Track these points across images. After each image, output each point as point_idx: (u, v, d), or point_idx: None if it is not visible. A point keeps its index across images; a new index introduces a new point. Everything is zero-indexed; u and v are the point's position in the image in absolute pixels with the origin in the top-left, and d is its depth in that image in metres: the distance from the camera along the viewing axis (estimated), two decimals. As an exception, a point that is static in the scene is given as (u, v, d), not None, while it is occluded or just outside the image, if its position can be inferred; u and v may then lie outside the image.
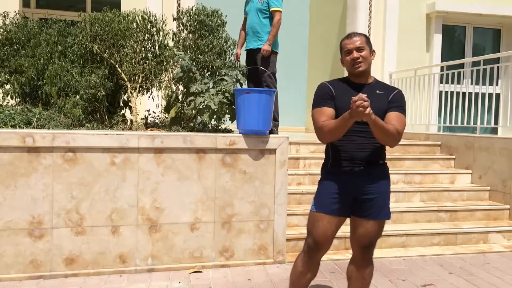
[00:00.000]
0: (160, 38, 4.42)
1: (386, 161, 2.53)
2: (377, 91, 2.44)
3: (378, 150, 2.44)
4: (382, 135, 2.29)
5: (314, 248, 2.45)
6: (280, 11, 4.92)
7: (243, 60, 5.28)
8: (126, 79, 4.20)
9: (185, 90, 4.20)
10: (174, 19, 4.65)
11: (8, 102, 4.36)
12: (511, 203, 4.97)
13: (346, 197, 2.42)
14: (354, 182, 2.41)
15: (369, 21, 8.01)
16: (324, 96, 2.44)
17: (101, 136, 3.46)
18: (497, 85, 7.53)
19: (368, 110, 2.13)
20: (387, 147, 2.50)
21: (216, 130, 4.12)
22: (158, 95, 4.80)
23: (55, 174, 3.41)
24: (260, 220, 3.82)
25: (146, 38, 4.32)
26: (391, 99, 2.43)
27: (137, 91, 4.31)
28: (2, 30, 4.46)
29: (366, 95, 2.15)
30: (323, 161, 2.59)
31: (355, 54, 2.40)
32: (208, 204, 3.71)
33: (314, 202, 2.51)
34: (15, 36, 4.41)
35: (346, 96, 2.37)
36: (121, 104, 4.52)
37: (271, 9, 4.93)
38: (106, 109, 4.26)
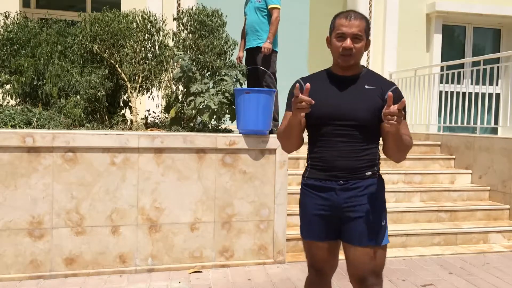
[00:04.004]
0: (160, 38, 4.42)
1: (379, 172, 2.06)
2: (366, 86, 1.98)
3: (364, 158, 1.97)
4: (399, 149, 1.91)
5: (320, 276, 2.13)
6: (278, 8, 4.90)
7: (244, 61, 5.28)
8: (126, 79, 4.20)
9: (185, 90, 4.20)
10: (174, 19, 4.65)
11: (8, 102, 4.37)
12: (511, 203, 4.97)
13: (331, 217, 2.01)
14: (334, 200, 1.97)
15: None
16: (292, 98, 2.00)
17: (101, 136, 3.46)
18: (497, 85, 7.53)
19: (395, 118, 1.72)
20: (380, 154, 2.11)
21: (216, 130, 4.12)
22: (158, 95, 4.80)
23: (55, 174, 3.41)
24: (260, 220, 3.82)
25: (146, 38, 4.32)
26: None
27: (137, 91, 4.31)
28: (3, 30, 4.46)
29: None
30: None
31: (349, 42, 1.91)
32: (208, 204, 3.71)
33: (301, 226, 2.13)
34: (16, 36, 4.42)
35: (321, 94, 1.97)
36: (121, 104, 4.52)
37: (269, 7, 4.91)
38: (106, 109, 4.26)
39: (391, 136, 1.87)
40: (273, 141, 3.81)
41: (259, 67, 4.90)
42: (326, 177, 1.98)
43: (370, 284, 1.99)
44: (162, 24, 4.42)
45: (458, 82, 6.97)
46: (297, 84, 1.82)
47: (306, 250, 2.15)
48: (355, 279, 2.03)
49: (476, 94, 6.22)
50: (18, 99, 4.37)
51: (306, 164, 2.12)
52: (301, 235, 2.14)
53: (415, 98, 7.23)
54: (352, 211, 1.97)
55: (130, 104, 4.39)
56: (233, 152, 3.74)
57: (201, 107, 3.91)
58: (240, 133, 3.79)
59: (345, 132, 1.94)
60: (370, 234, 1.96)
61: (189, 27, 4.51)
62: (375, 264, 1.99)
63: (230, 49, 4.54)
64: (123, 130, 3.93)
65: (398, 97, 1.92)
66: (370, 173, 1.99)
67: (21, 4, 6.77)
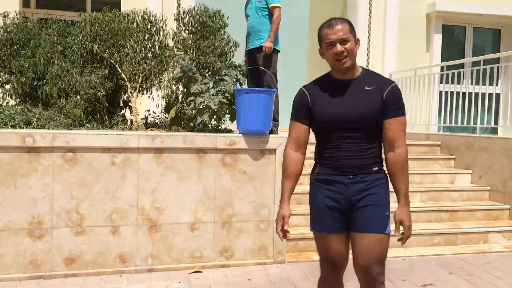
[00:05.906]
0: (160, 38, 4.42)
1: (383, 168, 2.21)
2: (366, 87, 2.11)
3: (370, 156, 2.14)
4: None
5: (334, 269, 2.24)
6: (279, 7, 4.89)
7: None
8: (126, 79, 4.20)
9: (185, 90, 4.20)
10: (175, 19, 4.65)
11: (8, 102, 4.37)
12: (511, 203, 4.97)
13: (341, 210, 2.15)
14: (345, 193, 2.12)
15: (369, 21, 8.00)
16: (298, 108, 2.21)
17: (101, 136, 3.46)
18: (497, 85, 7.52)
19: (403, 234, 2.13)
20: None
21: (216, 130, 4.12)
22: (158, 95, 4.80)
23: (55, 174, 3.41)
24: (260, 220, 3.82)
25: (146, 38, 4.32)
26: (387, 98, 2.09)
27: (137, 91, 4.31)
28: (2, 30, 4.46)
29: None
30: None
31: (339, 47, 2.05)
32: (208, 204, 3.71)
33: (311, 220, 2.26)
34: (15, 36, 4.41)
35: (325, 100, 2.14)
36: (121, 104, 4.52)
37: (270, 6, 4.90)
38: (106, 109, 4.26)
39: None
40: (273, 141, 3.81)
41: (260, 67, 4.89)
42: (336, 172, 2.15)
43: (376, 273, 2.11)
44: (162, 24, 4.42)
45: (458, 82, 6.97)
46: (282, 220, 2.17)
47: (318, 244, 2.26)
48: (360, 268, 2.14)
49: (476, 94, 6.22)
50: (18, 99, 4.37)
51: (314, 161, 2.26)
52: (312, 229, 2.25)
53: (415, 98, 7.22)
54: (361, 201, 2.12)
55: (130, 104, 4.39)
56: (233, 152, 3.74)
57: (201, 107, 3.91)
58: (240, 133, 3.79)
59: (351, 134, 2.10)
60: (376, 222, 2.11)
61: (190, 28, 4.51)
62: (380, 252, 2.12)
63: (231, 50, 4.54)
64: (123, 130, 3.93)
65: (394, 95, 2.11)
66: (376, 168, 2.16)
67: (21, 4, 6.77)
